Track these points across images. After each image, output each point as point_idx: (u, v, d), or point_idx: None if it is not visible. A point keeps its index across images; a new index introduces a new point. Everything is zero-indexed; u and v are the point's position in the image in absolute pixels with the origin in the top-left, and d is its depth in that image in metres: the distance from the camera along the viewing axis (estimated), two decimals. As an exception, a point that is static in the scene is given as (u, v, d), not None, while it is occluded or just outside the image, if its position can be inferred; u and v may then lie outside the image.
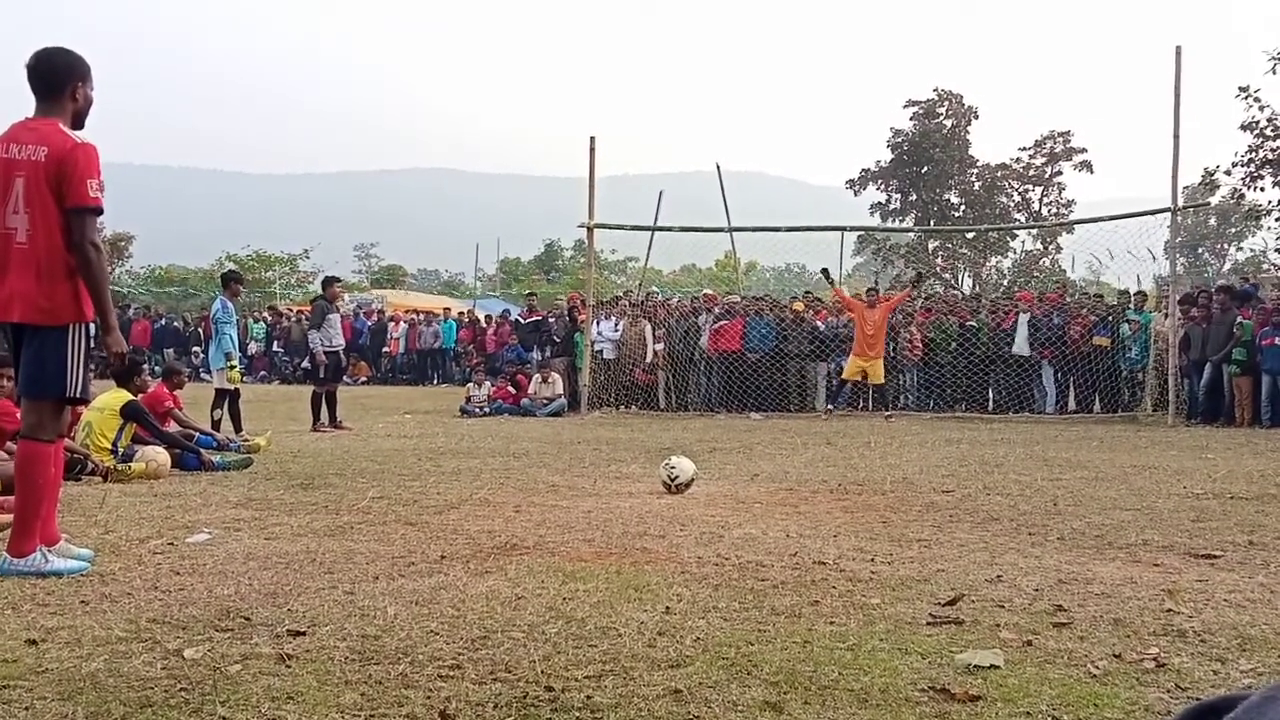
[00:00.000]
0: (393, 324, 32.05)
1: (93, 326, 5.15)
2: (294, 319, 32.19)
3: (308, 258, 64.59)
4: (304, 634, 4.02)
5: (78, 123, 5.16)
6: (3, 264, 4.95)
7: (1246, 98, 23.15)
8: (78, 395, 5.12)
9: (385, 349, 31.50)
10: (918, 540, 6.19)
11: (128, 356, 5.74)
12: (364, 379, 29.94)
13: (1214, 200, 32.34)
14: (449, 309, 34.19)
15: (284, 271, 60.24)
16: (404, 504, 7.54)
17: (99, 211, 5.00)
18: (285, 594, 4.69)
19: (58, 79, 5.09)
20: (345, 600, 4.58)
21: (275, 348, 31.75)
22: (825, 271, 19.73)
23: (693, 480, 8.34)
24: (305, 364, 18.14)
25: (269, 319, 33.37)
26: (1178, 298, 17.69)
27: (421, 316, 32.33)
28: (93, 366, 5.23)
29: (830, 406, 18.35)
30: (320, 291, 15.91)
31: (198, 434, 11.04)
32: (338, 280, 16.56)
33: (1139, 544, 6.10)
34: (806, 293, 26.29)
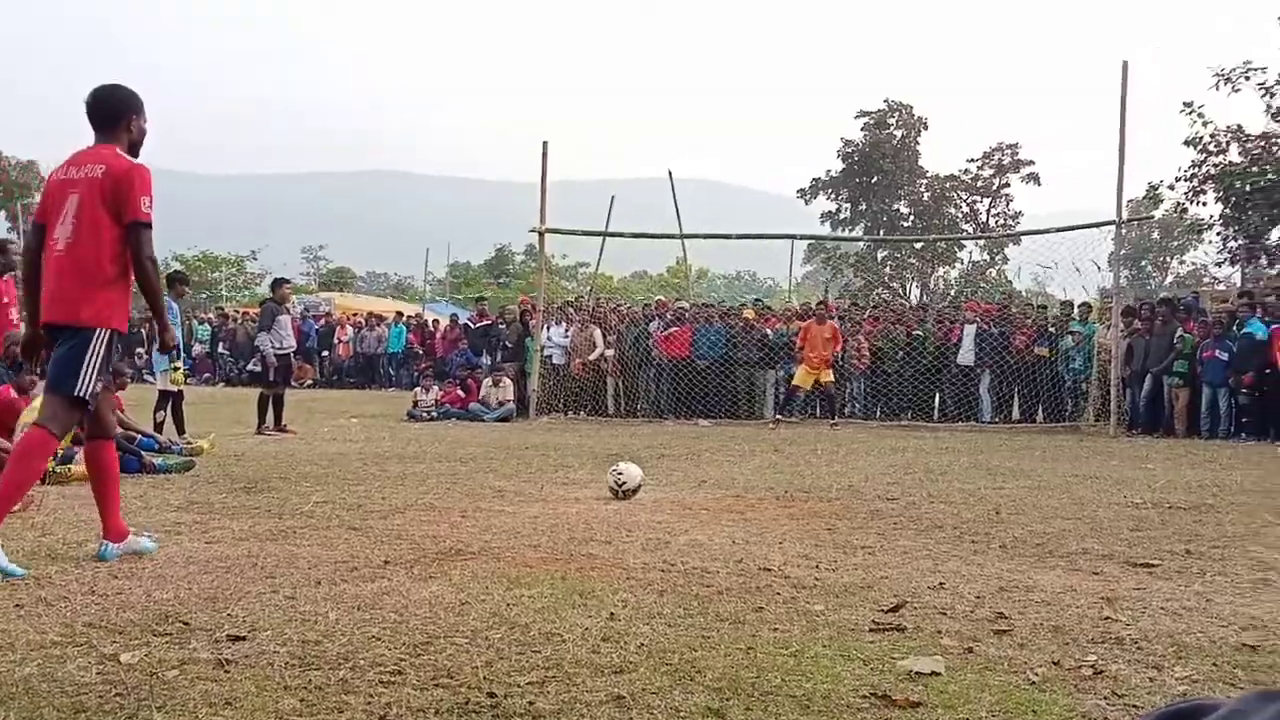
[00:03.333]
0: (340, 327, 31.81)
1: (115, 338, 5.39)
2: (240, 321, 31.87)
3: (255, 259, 64.03)
4: (243, 639, 3.98)
5: (132, 153, 5.52)
6: (46, 273, 5.34)
7: (1190, 113, 23.55)
8: (85, 397, 5.30)
9: (325, 352, 31.23)
10: (862, 547, 6.23)
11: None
12: (309, 382, 29.69)
13: (1158, 214, 32.97)
14: (399, 313, 33.96)
15: (231, 273, 59.71)
16: (348, 508, 7.49)
17: (151, 226, 5.33)
18: (225, 598, 4.64)
19: (114, 112, 5.49)
20: (286, 605, 4.53)
21: (220, 349, 31.39)
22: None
23: (640, 486, 8.35)
24: (252, 366, 17.95)
25: (214, 320, 33.01)
26: (1121, 309, 17.97)
27: (368, 320, 32.12)
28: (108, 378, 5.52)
29: (779, 416, 18.40)
30: (269, 293, 15.76)
31: (140, 436, 10.91)
32: (287, 281, 16.39)
33: (1079, 552, 6.18)
34: (756, 300, 26.44)
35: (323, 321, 32.64)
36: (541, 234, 19.38)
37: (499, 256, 71.14)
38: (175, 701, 3.27)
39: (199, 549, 5.82)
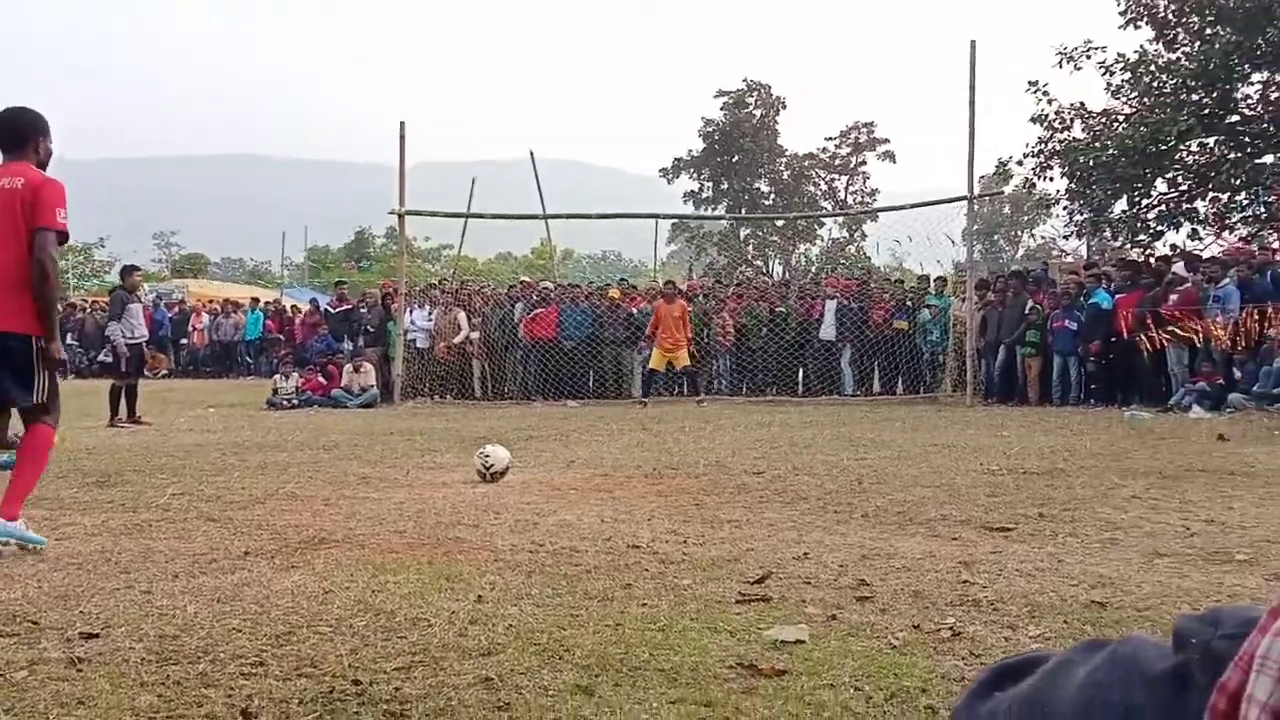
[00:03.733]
0: (195, 314, 30.98)
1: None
2: (89, 310, 30.81)
3: (103, 246, 61.95)
4: (97, 636, 3.85)
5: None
6: None
7: (1036, 91, 24.22)
8: (44, 401, 5.73)
9: (180, 341, 30.43)
10: (729, 521, 6.31)
11: None
12: (164, 372, 28.84)
13: (1008, 189, 33.88)
14: (255, 299, 33.19)
15: (78, 261, 57.60)
16: (206, 500, 7.31)
17: (64, 237, 5.59)
18: (77, 595, 4.49)
19: (21, 134, 5.68)
20: (142, 600, 4.40)
21: (69, 340, 30.29)
22: None
23: (508, 469, 8.31)
24: (103, 356, 17.36)
25: (61, 310, 31.84)
26: (975, 283, 18.45)
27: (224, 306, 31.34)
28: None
29: (645, 400, 18.42)
30: (119, 281, 15.29)
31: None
32: (137, 269, 15.89)
33: (938, 519, 6.35)
34: (621, 280, 26.52)
35: (176, 309, 31.77)
36: (401, 216, 19.15)
37: (359, 240, 70.00)
38: (24, 703, 3.15)
39: (49, 546, 5.61)
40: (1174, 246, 23.48)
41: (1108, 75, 23.98)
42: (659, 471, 8.83)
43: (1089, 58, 23.96)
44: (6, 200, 5.48)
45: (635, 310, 20.26)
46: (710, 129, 53.01)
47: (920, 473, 8.57)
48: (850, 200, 53.30)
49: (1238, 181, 22.38)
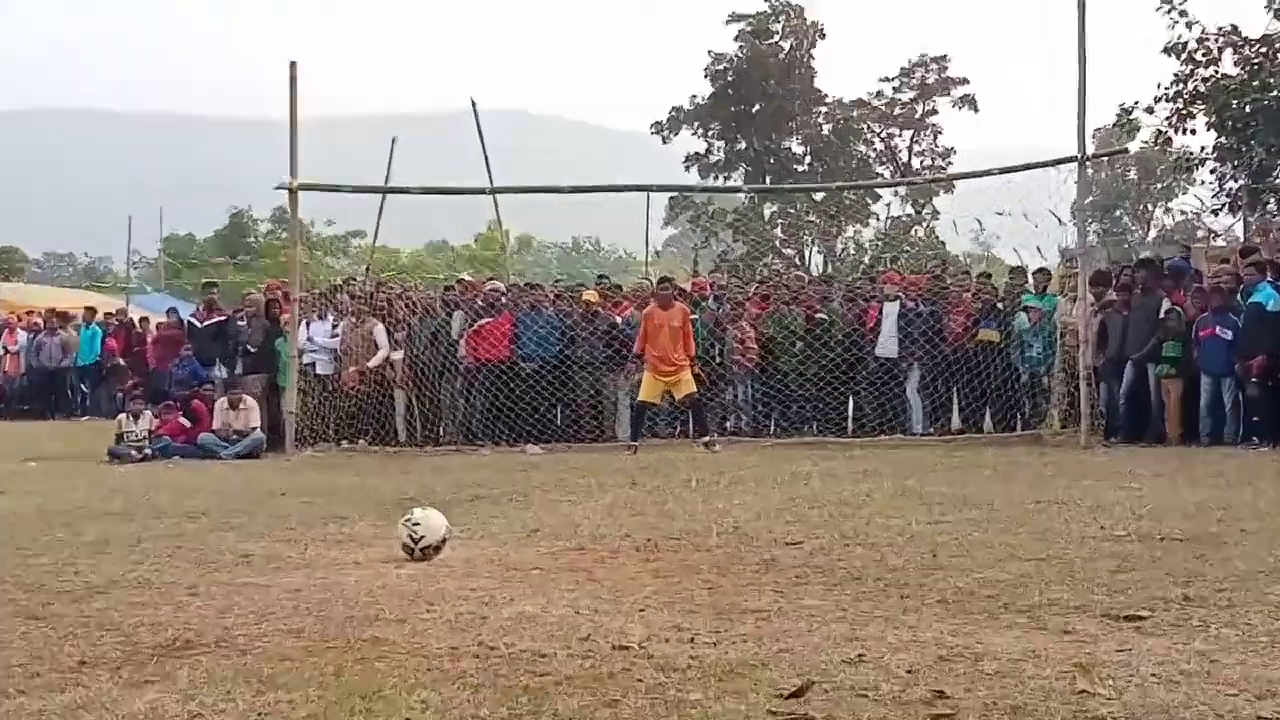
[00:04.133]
0: (6, 332, 30.91)
1: None
2: None
3: None
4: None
5: None
6: None
7: (1170, 11, 24.20)
8: None
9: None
10: (753, 611, 6.29)
11: None
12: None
13: (1134, 147, 33.86)
14: (91, 309, 33.12)
15: None
16: (26, 589, 7.29)
17: None
18: None
19: None
20: (-65, 732, 4.39)
21: None
22: None
23: (445, 541, 8.29)
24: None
25: None
26: (1089, 276, 18.33)
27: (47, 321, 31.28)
28: None
29: (634, 444, 18.29)
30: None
31: None
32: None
33: (1043, 605, 6.34)
34: (601, 278, 26.37)
35: (-19, 326, 31.66)
36: (293, 192, 19.08)
37: (235, 226, 70.00)
38: None
39: None
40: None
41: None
42: (655, 543, 8.81)
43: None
44: None
45: (620, 319, 20.23)
46: (721, 67, 53.25)
47: (1018, 541, 8.57)
48: (916, 164, 53.43)
49: None
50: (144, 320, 31.44)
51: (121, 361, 28.86)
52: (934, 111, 53.82)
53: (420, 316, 20.64)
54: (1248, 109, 22.73)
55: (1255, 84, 22.84)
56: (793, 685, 4.79)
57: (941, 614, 6.20)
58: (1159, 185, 59.50)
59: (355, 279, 25.08)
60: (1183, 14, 23.74)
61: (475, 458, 17.72)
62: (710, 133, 53.50)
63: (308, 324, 19.78)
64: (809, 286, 22.57)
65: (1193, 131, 24.86)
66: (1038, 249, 23.11)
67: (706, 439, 18.26)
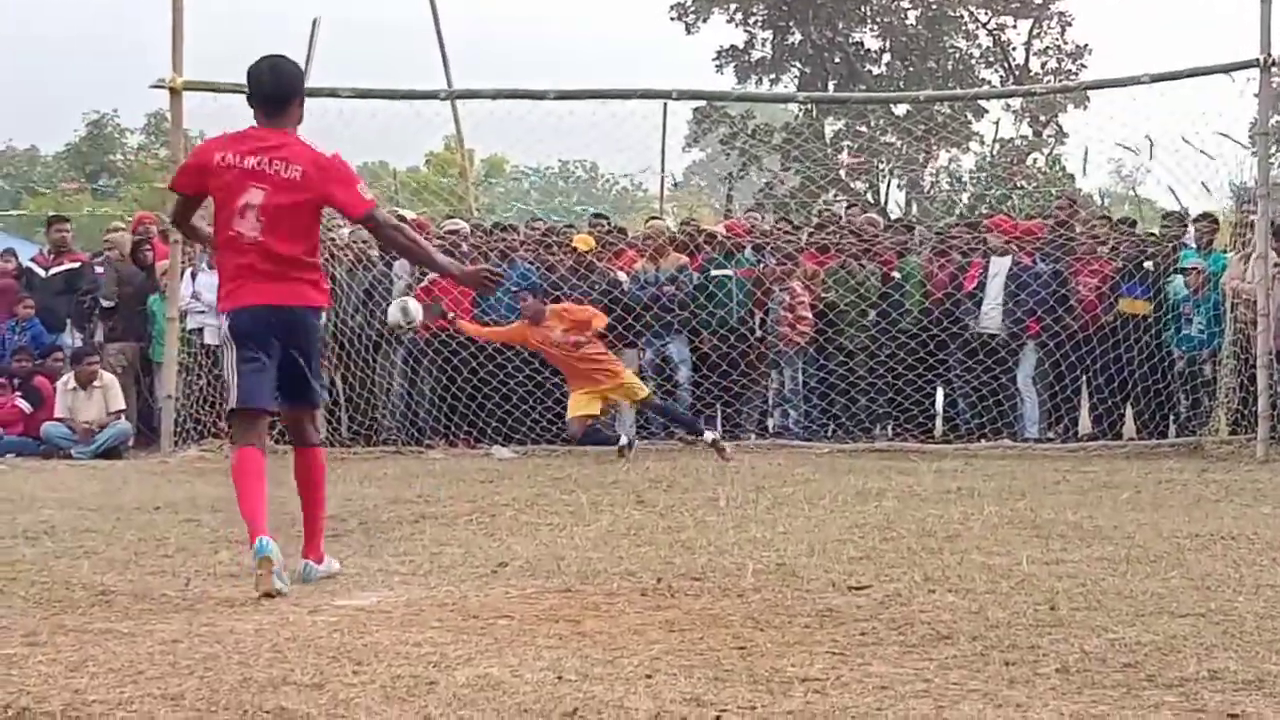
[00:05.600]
0: None
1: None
2: None
3: None
4: None
5: None
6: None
7: None
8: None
9: None
10: (803, 680, 6.28)
11: None
12: None
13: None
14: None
15: None
16: None
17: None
18: None
19: (288, 91, 9.40)
20: None
21: None
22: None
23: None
24: None
25: None
26: (1271, 227, 18.39)
27: None
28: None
29: (625, 440, 18.08)
30: None
31: None
32: None
33: (1202, 678, 6.32)
34: (599, 217, 26.31)
35: None
36: (175, 91, 19.09)
37: (94, 138, 70.06)
38: None
39: None
40: None
41: None
42: (668, 585, 8.82)
43: None
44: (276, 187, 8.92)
45: (624, 273, 20.23)
46: (768, -72, 53.15)
47: (1168, 589, 8.56)
48: (1036, 67, 53.35)
49: None
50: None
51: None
52: (1060, -6, 53.85)
53: (349, 268, 20.62)
54: None
55: None
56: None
57: (1062, 688, 6.18)
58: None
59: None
60: None
61: (422, 462, 17.74)
62: (752, 20, 53.46)
63: (193, 275, 19.79)
64: (885, 234, 22.41)
65: None
66: (1203, 186, 22.94)
67: (709, 439, 18.15)
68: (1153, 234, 21.40)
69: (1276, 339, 17.70)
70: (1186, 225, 20.65)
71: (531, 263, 20.24)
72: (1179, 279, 19.23)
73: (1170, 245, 20.02)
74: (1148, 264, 19.63)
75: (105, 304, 20.34)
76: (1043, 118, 49.80)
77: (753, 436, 18.85)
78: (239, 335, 8.95)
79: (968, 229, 22.22)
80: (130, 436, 18.32)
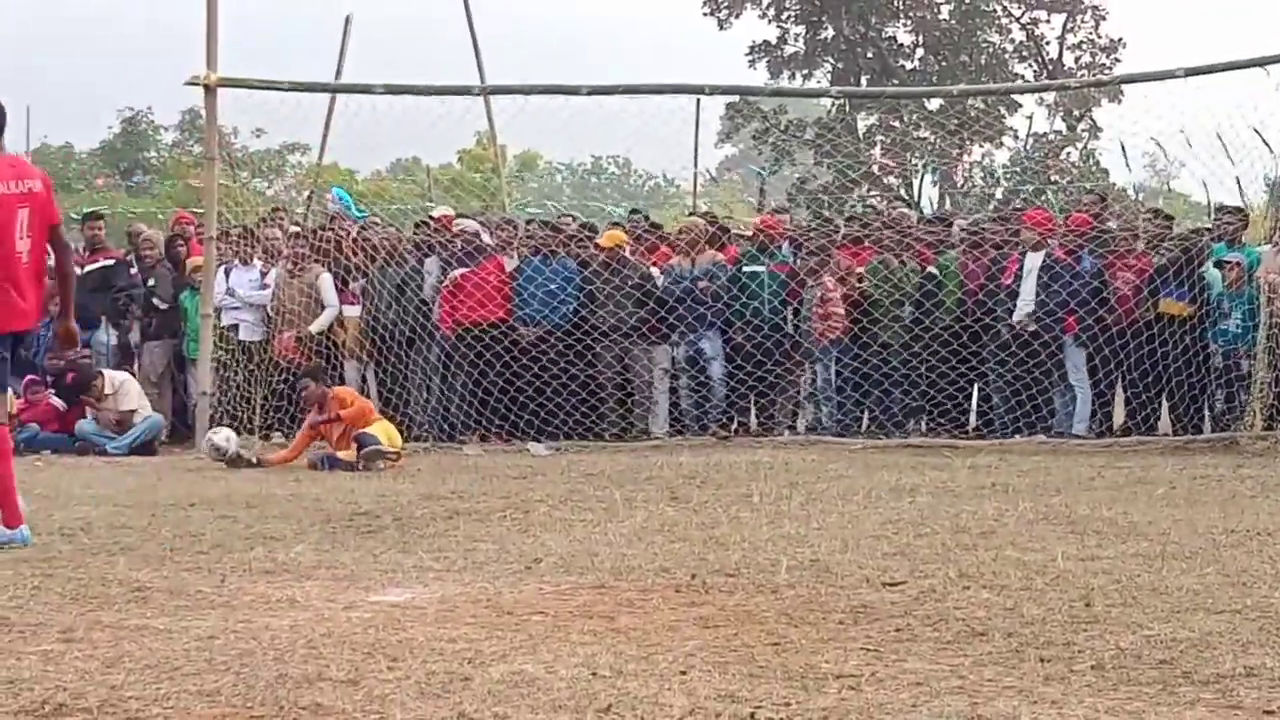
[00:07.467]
0: None
1: None
2: None
3: None
4: None
5: None
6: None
7: None
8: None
9: None
10: (837, 677, 6.28)
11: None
12: None
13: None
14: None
15: None
16: None
17: None
18: None
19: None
20: None
21: None
22: None
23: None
24: None
25: None
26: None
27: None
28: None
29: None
30: None
31: None
32: None
33: (1238, 674, 6.29)
34: (634, 212, 26.34)
35: None
36: (210, 89, 19.12)
37: (129, 134, 70.11)
38: None
39: None
40: None
41: None
42: (702, 581, 8.83)
43: None
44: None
45: (657, 269, 20.20)
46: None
47: (1204, 585, 8.53)
48: (1070, 61, 53.18)
49: None
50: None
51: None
52: (1096, -12, 53.65)
53: (383, 263, 20.61)
54: None
55: None
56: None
57: (1097, 685, 6.17)
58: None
59: (292, 210, 25.08)
60: None
61: (456, 458, 17.74)
62: (785, 15, 53.37)
63: (227, 271, 19.83)
64: (920, 228, 22.38)
65: None
66: (1237, 181, 22.83)
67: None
68: (1200, 229, 21.23)
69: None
70: (1221, 219, 20.43)
71: (568, 258, 20.14)
72: (1215, 272, 19.04)
73: (1205, 240, 19.85)
74: (1188, 262, 19.21)
75: (160, 306, 20.33)
76: (1076, 112, 49.63)
77: (786, 432, 18.79)
78: None
79: (1001, 222, 22.09)
80: (163, 429, 18.32)
